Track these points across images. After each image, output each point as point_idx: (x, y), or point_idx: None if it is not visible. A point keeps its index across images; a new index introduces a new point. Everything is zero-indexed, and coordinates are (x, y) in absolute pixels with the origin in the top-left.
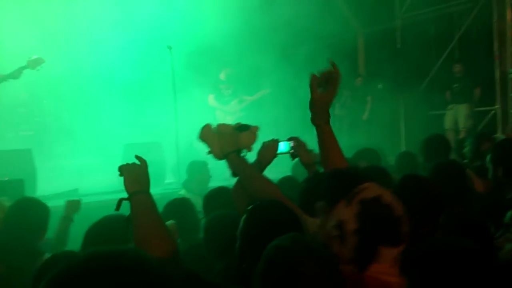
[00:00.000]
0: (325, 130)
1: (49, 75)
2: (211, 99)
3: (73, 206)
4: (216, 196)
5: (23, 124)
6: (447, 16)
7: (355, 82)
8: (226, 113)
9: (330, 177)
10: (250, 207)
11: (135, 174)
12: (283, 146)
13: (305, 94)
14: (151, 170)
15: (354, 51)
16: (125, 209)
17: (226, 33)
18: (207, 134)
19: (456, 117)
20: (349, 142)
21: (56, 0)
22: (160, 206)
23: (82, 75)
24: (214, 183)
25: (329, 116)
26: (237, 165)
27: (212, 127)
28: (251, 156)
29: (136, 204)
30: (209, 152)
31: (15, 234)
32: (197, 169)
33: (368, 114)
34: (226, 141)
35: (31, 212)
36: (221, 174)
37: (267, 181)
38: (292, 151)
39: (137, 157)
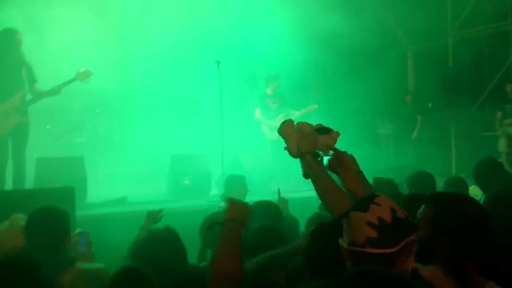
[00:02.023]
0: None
1: (101, 85)
2: (257, 113)
3: (153, 216)
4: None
5: (76, 131)
6: (502, 34)
7: (405, 99)
8: (272, 127)
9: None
10: (313, 228)
11: (239, 208)
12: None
13: (350, 109)
14: (196, 181)
15: (403, 68)
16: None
17: (275, 48)
18: (287, 130)
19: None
20: (395, 162)
21: (109, 12)
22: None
23: (132, 87)
24: (251, 198)
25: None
26: (311, 167)
27: (294, 123)
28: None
29: (227, 228)
30: (286, 148)
31: (35, 249)
32: (235, 182)
33: (417, 133)
34: (304, 140)
35: (49, 221)
36: (257, 189)
37: (338, 189)
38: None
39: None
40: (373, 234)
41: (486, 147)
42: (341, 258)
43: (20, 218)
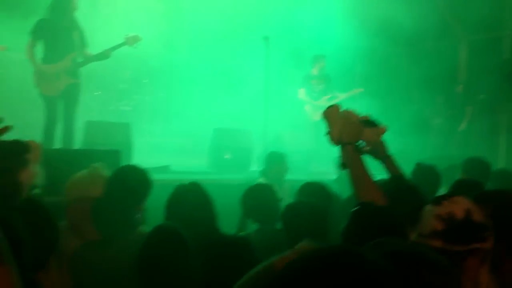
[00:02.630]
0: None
1: (149, 56)
2: (301, 93)
3: None
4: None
5: (123, 99)
6: None
7: (456, 89)
8: (316, 108)
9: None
10: (355, 209)
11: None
12: None
13: (399, 97)
14: (237, 156)
15: (455, 58)
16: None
17: (326, 28)
18: (332, 115)
19: None
20: (441, 152)
21: None
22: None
23: (180, 59)
24: (290, 176)
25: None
26: (350, 158)
27: (340, 109)
28: None
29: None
30: (327, 134)
31: (112, 203)
32: (275, 159)
33: (465, 125)
34: (348, 129)
35: (130, 182)
36: (297, 168)
37: (374, 185)
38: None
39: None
40: (440, 226)
41: None
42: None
43: (100, 168)
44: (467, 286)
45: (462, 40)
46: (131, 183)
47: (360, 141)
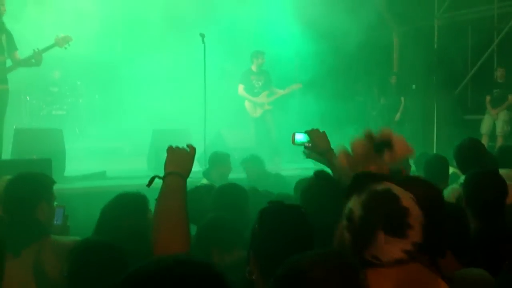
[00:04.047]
0: (333, 155)
1: (82, 57)
2: (240, 89)
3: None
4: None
5: (56, 104)
6: (488, 18)
7: (389, 80)
8: (255, 104)
9: (352, 177)
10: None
11: (180, 158)
12: (302, 137)
13: (335, 90)
14: None
15: (389, 49)
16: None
17: (259, 24)
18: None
19: (494, 123)
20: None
21: None
22: None
23: (114, 59)
24: (233, 176)
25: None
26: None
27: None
28: None
29: (169, 183)
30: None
31: (10, 214)
32: (219, 160)
33: (400, 115)
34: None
35: (27, 186)
36: (239, 166)
37: None
38: (309, 144)
39: (188, 145)
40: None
41: (467, 130)
42: (290, 243)
43: (3, 181)
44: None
45: (394, 31)
46: (21, 189)
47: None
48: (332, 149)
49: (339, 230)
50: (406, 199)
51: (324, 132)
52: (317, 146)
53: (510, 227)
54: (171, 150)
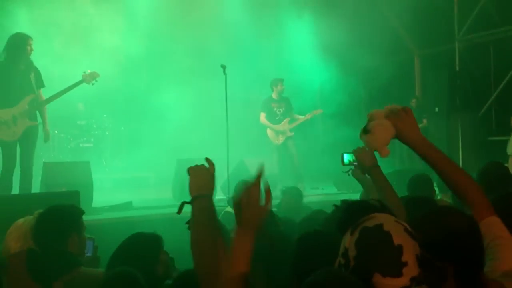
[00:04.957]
0: (378, 172)
1: (108, 89)
2: (262, 117)
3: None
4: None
5: (83, 137)
6: (509, 38)
7: (410, 104)
8: (277, 132)
9: (343, 209)
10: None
11: (202, 177)
12: (349, 157)
13: (357, 117)
14: None
15: (411, 73)
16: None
17: (277, 50)
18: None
19: None
20: (405, 166)
21: (114, 12)
22: None
23: (139, 92)
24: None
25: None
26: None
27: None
28: None
29: (198, 207)
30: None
31: (41, 248)
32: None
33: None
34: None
35: (57, 218)
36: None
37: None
38: (354, 163)
39: (206, 159)
40: None
41: (492, 151)
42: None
43: (34, 215)
44: None
45: (415, 55)
46: (52, 221)
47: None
48: (379, 166)
49: (336, 266)
50: (398, 235)
51: (368, 150)
52: (362, 164)
53: None
54: (193, 171)
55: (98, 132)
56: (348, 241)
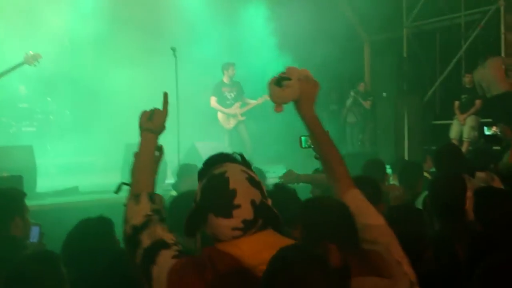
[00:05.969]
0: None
1: (52, 72)
2: (213, 101)
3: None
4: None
5: (25, 120)
6: (455, 26)
7: (357, 87)
8: (228, 115)
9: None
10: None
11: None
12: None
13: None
14: None
15: (360, 59)
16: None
17: (230, 35)
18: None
19: (462, 128)
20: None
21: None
22: None
23: (85, 75)
24: None
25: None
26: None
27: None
28: None
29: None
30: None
31: None
32: (187, 172)
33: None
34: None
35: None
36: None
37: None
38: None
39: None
40: None
41: (436, 135)
42: None
43: None
44: None
45: (365, 41)
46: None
47: None
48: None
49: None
50: (235, 180)
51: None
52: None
53: (469, 228)
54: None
55: (42, 116)
56: (198, 186)
